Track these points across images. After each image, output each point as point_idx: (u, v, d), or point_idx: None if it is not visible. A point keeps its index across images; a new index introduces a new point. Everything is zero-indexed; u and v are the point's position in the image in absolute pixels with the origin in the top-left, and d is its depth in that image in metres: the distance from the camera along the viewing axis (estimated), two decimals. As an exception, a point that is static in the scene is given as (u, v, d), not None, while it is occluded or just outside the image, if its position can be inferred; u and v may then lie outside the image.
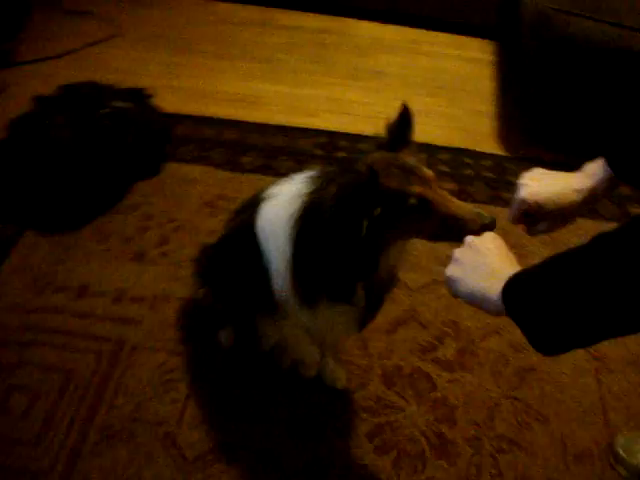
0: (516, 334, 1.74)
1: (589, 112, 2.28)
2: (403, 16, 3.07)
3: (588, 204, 1.05)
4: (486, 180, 2.31)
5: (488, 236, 0.95)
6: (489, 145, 2.48)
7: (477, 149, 2.44)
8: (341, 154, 2.33)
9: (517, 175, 2.24)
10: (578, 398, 1.65)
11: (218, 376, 1.62)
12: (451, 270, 0.94)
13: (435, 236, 1.07)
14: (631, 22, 2.02)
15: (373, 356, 1.69)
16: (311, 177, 1.14)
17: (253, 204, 1.26)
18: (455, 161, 2.37)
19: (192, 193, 2.11)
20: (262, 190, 1.28)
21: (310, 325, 1.28)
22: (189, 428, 1.50)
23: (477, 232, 0.98)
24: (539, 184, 1.06)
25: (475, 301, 0.90)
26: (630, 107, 0.99)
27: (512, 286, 0.83)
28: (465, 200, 2.15)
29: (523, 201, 1.06)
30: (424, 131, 2.53)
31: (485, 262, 0.90)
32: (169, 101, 2.38)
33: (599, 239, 0.76)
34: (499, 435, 1.55)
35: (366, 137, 2.35)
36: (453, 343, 1.75)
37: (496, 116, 2.64)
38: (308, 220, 1.08)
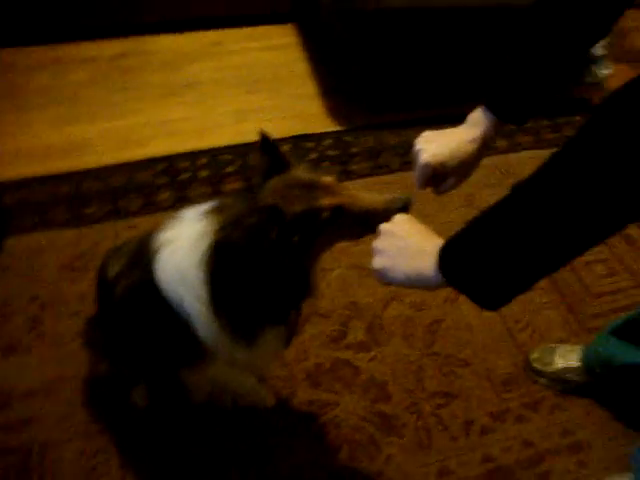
0: (413, 295, 1.84)
1: (407, 68, 2.41)
2: (199, 21, 3.02)
3: (483, 149, 1.11)
4: (331, 158, 2.36)
5: (399, 219, 0.95)
6: (323, 124, 2.53)
7: (313, 131, 2.48)
8: (185, 175, 2.26)
9: (359, 146, 2.39)
10: (487, 332, 1.77)
11: (146, 440, 1.52)
12: (377, 262, 0.93)
13: (358, 235, 1.08)
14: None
15: (290, 363, 1.68)
16: (206, 214, 1.09)
17: (143, 257, 1.17)
18: (297, 149, 2.39)
19: (45, 262, 1.94)
20: (148, 239, 1.19)
21: (245, 359, 1.24)
22: (137, 507, 1.41)
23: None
24: (435, 145, 1.09)
25: (412, 283, 0.90)
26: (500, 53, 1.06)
27: (446, 255, 0.85)
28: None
29: (426, 165, 1.08)
30: (256, 129, 2.52)
31: (407, 243, 0.91)
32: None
33: (515, 189, 0.80)
34: (432, 393, 1.62)
35: (203, 152, 2.34)
36: (359, 323, 1.79)
37: (320, 95, 2.69)
38: (222, 263, 1.04)
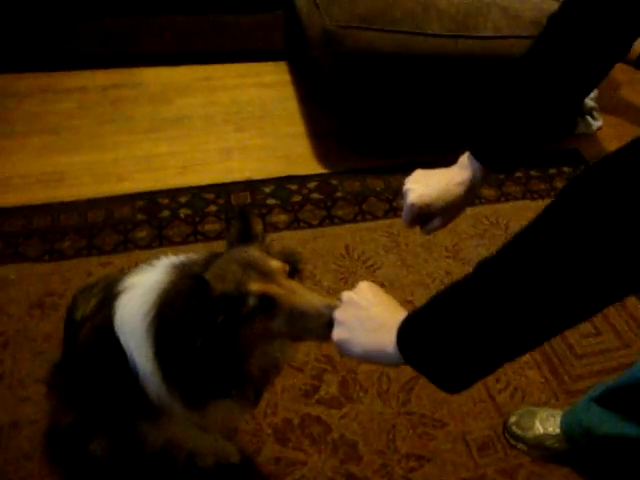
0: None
1: (395, 114, 2.39)
2: (191, 55, 2.99)
3: (471, 194, 1.10)
4: (315, 202, 2.32)
5: (363, 287, 0.91)
6: (310, 166, 2.49)
7: (299, 173, 2.44)
8: (165, 213, 2.21)
9: (344, 190, 2.35)
10: (464, 393, 1.69)
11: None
12: (337, 334, 0.88)
13: (292, 336, 1.01)
14: (407, 27, 2.14)
15: (258, 417, 1.61)
16: (170, 267, 1.05)
17: (107, 300, 1.12)
18: (280, 191, 2.35)
19: (13, 297, 1.88)
20: (114, 282, 1.14)
21: (200, 422, 1.18)
22: None
23: (326, 327, 0.91)
24: (423, 186, 1.09)
25: (371, 358, 0.86)
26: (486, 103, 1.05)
27: (405, 333, 0.80)
28: (299, 227, 2.18)
29: (413, 205, 1.08)
30: (241, 168, 2.52)
31: (369, 315, 0.86)
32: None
33: (480, 267, 0.76)
34: (405, 455, 1.55)
35: (185, 189, 2.30)
36: (333, 377, 1.72)
37: (308, 135, 2.66)
38: (160, 324, 0.98)
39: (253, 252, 1.01)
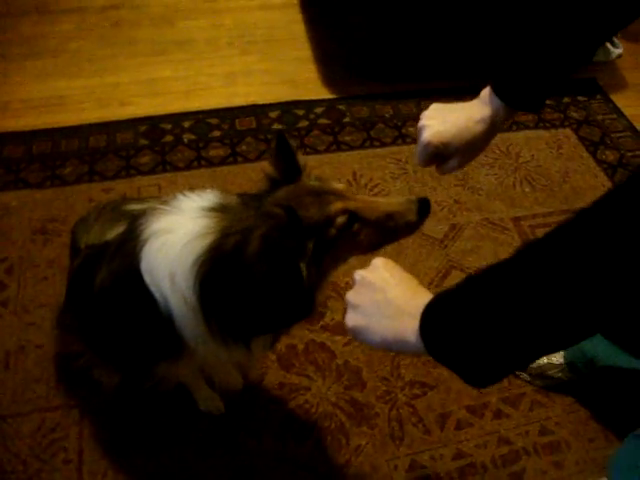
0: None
1: (406, 36, 2.29)
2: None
3: (493, 132, 1.01)
4: (322, 127, 2.25)
5: (379, 264, 0.83)
6: (317, 91, 2.41)
7: (306, 98, 2.36)
8: (168, 138, 2.16)
9: (352, 116, 2.28)
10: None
11: (108, 418, 1.46)
12: (351, 319, 0.81)
13: (375, 245, 1.00)
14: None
15: (263, 343, 1.62)
16: (207, 211, 0.99)
17: (129, 244, 1.05)
18: (287, 116, 2.28)
19: (15, 224, 1.86)
20: (135, 225, 1.06)
21: (228, 358, 1.16)
22: (92, 486, 1.35)
23: (417, 221, 0.96)
24: (440, 122, 1.00)
25: (390, 347, 0.78)
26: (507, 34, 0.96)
27: (429, 320, 0.72)
28: (306, 153, 2.13)
29: (429, 143, 1.00)
30: (246, 93, 2.44)
31: (387, 298, 0.77)
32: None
33: (523, 250, 0.68)
34: (409, 382, 1.56)
35: (189, 114, 2.24)
36: (337, 304, 1.70)
37: (315, 60, 2.56)
38: (221, 272, 0.94)
39: (313, 183, 0.99)
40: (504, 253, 1.83)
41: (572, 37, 0.93)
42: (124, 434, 1.44)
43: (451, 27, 2.30)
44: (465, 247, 1.86)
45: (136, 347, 1.19)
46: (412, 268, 1.78)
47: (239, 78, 2.45)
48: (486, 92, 1.00)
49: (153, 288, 1.01)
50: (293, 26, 2.75)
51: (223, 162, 2.07)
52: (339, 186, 1.00)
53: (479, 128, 0.99)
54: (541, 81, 0.96)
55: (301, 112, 2.30)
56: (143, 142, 2.14)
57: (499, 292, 0.67)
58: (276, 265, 0.91)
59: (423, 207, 0.97)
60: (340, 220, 0.93)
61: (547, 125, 2.34)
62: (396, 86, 2.43)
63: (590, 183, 2.11)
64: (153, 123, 2.21)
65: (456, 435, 1.47)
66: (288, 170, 1.02)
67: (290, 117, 2.27)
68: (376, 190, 2.01)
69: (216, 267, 0.95)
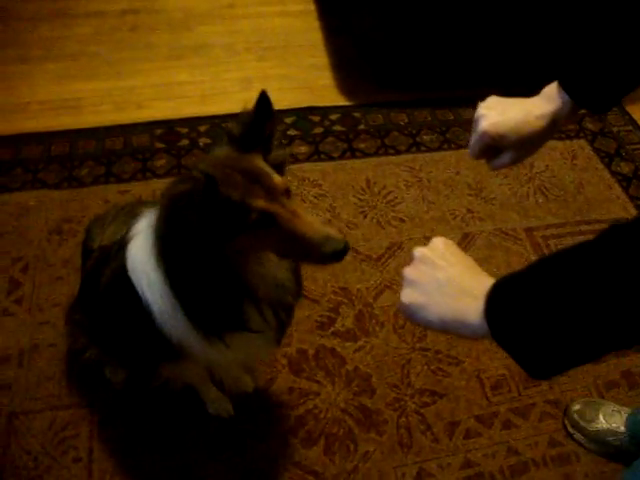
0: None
1: (423, 45, 2.29)
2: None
3: (552, 130, 0.96)
4: (337, 134, 2.27)
5: (439, 242, 0.79)
6: (333, 98, 2.42)
7: (321, 104, 2.37)
8: (184, 142, 2.18)
9: (367, 123, 2.29)
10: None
11: (118, 417, 1.48)
12: (408, 296, 0.76)
13: (285, 254, 0.98)
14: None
15: (273, 347, 1.62)
16: None
17: (122, 245, 1.09)
18: (302, 122, 2.30)
19: (32, 224, 1.88)
20: (131, 226, 1.10)
21: (220, 360, 1.16)
22: (102, 485, 1.37)
23: (326, 258, 0.91)
24: (499, 113, 0.95)
25: (448, 328, 0.73)
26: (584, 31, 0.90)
27: (496, 302, 0.68)
28: (320, 159, 2.14)
29: (485, 133, 0.95)
30: (263, 99, 2.45)
31: (449, 277, 0.74)
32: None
33: (607, 232, 0.64)
34: (419, 390, 1.56)
35: (205, 118, 2.26)
36: (349, 310, 1.71)
37: (332, 67, 2.57)
38: (168, 250, 0.95)
39: (258, 163, 0.95)
40: (516, 264, 1.84)
41: None
42: (134, 434, 1.45)
43: (469, 36, 2.30)
44: (477, 256, 1.86)
45: (136, 347, 1.21)
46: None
47: (255, 83, 2.47)
48: (551, 88, 0.95)
49: (138, 287, 1.03)
50: (310, 33, 2.76)
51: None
52: (278, 181, 0.95)
53: (538, 124, 0.94)
54: (615, 79, 0.90)
55: (316, 118, 2.31)
56: (159, 145, 2.16)
57: (575, 277, 0.63)
58: (176, 228, 0.89)
59: (338, 252, 0.92)
60: (254, 216, 0.90)
61: (562, 136, 2.33)
62: (412, 94, 2.43)
63: (604, 195, 2.10)
64: (169, 127, 2.23)
65: (465, 444, 1.47)
66: (252, 136, 0.97)
67: (305, 123, 2.29)
68: (390, 197, 2.01)
69: (165, 250, 0.95)
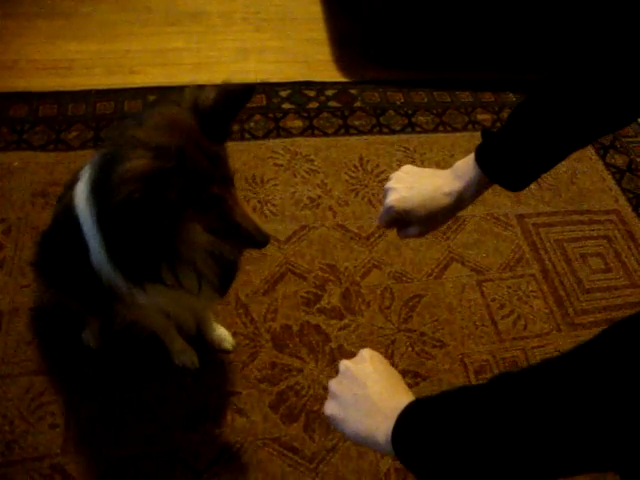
0: (395, 265, 1.75)
1: (423, 24, 2.26)
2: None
3: (458, 207, 0.97)
4: (332, 110, 2.23)
5: (365, 356, 0.82)
6: (330, 73, 2.38)
7: (318, 79, 2.33)
8: (177, 110, 2.13)
9: (363, 100, 2.26)
10: (467, 314, 1.68)
11: (95, 384, 1.46)
12: (329, 408, 0.80)
13: (216, 233, 1.03)
14: None
15: (257, 321, 1.61)
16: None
17: (71, 184, 1.13)
18: (297, 96, 2.26)
19: (16, 185, 1.84)
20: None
21: (153, 303, 1.17)
22: (77, 452, 1.35)
23: (251, 244, 1.02)
24: (407, 187, 0.96)
25: (363, 444, 0.77)
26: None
27: (403, 428, 0.71)
28: (314, 135, 2.11)
29: (390, 208, 0.96)
30: (257, 70, 2.41)
31: (365, 394, 0.77)
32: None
33: (498, 379, 0.67)
34: (402, 371, 1.55)
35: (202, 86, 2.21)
36: (336, 288, 1.70)
37: (331, 41, 2.53)
38: (99, 195, 0.98)
39: (219, 150, 0.99)
40: (505, 249, 1.84)
41: (590, 120, 0.84)
42: (110, 402, 1.44)
43: (468, 18, 2.26)
44: (467, 240, 1.85)
45: (82, 282, 1.22)
46: (412, 258, 1.77)
47: (251, 55, 2.42)
48: (462, 164, 0.95)
49: (80, 225, 1.07)
50: (310, 6, 2.71)
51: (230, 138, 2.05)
52: (231, 173, 1.01)
53: (445, 201, 0.94)
54: (533, 159, 0.89)
55: (312, 93, 2.27)
56: (150, 111, 2.11)
57: (471, 417, 0.65)
58: (133, 192, 0.88)
59: (261, 242, 1.02)
60: (206, 197, 0.95)
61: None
62: (409, 74, 2.40)
63: (597, 186, 2.09)
64: (162, 93, 2.18)
65: (445, 427, 1.47)
66: (216, 121, 0.99)
67: (301, 97, 2.25)
68: (382, 177, 1.99)
69: (96, 195, 0.99)
